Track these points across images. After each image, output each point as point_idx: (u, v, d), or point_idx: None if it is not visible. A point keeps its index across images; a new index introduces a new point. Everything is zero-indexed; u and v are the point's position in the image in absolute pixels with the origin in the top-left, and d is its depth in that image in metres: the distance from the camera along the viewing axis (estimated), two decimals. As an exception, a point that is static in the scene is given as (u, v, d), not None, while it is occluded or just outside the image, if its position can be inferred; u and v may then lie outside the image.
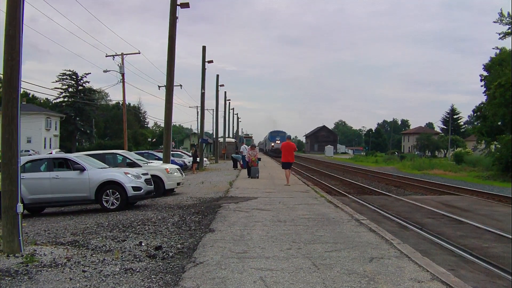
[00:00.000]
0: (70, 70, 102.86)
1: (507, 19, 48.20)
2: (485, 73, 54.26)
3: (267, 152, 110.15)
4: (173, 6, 27.46)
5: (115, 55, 46.29)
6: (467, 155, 70.02)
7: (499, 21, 48.76)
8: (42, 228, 13.26)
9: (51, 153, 47.79)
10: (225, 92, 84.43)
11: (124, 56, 46.56)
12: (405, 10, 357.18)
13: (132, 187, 16.90)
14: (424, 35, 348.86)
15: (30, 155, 39.83)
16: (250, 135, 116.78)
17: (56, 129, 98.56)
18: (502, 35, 49.47)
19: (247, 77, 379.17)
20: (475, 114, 65.31)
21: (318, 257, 8.50)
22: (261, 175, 30.18)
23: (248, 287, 6.74)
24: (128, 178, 17.01)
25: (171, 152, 31.82)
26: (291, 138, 27.93)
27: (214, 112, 70.39)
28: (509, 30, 48.77)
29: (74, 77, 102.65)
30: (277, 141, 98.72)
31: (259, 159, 31.87)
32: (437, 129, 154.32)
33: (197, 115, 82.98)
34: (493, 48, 58.60)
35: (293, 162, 25.95)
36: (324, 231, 11.24)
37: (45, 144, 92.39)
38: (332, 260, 8.32)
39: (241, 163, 41.68)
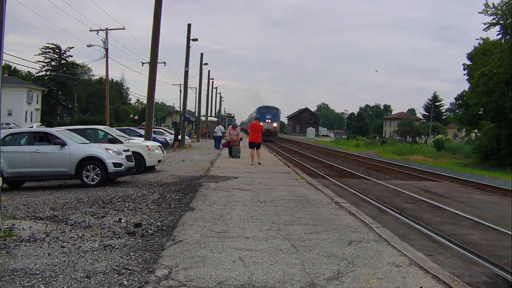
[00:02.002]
0: (53, 44, 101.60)
1: (492, 9, 48.40)
2: (468, 62, 54.63)
3: None
4: (159, -18, 27.21)
5: (99, 30, 45.97)
6: (447, 142, 70.65)
7: (484, 12, 48.99)
8: (21, 203, 13.15)
9: (32, 127, 47.41)
10: (209, 70, 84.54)
11: (109, 31, 46.21)
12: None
13: (113, 163, 16.81)
14: (410, 22, 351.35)
15: (11, 128, 39.49)
16: (232, 114, 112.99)
17: (37, 103, 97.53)
18: (487, 25, 49.74)
19: (231, 56, 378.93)
20: (457, 102, 66.05)
21: (297, 239, 8.53)
22: (243, 155, 30.14)
23: (227, 266, 6.74)
24: (109, 154, 16.91)
25: (153, 129, 31.70)
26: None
27: (197, 91, 70.27)
28: (494, 21, 49.00)
29: (57, 51, 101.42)
30: (267, 121, 73.65)
31: (241, 139, 31.73)
32: (419, 115, 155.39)
33: (180, 93, 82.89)
34: (477, 39, 59.02)
35: (260, 142, 26.07)
36: (304, 213, 11.27)
37: (26, 117, 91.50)
38: (312, 242, 8.35)
39: (221, 142, 41.58)
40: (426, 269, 6.98)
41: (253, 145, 25.53)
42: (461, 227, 12.67)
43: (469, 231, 12.20)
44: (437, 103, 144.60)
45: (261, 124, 26.62)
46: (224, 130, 45.85)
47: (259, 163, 24.80)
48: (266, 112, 76.00)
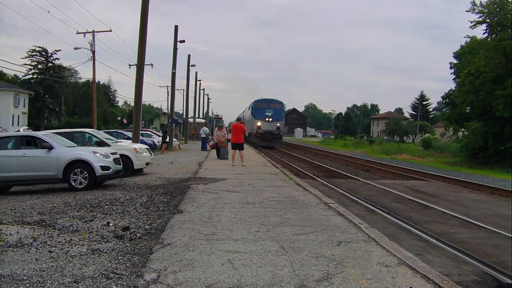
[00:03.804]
0: (39, 47, 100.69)
1: (479, 7, 48.65)
2: (455, 61, 54.89)
3: (248, 137, 59.95)
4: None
5: (86, 32, 45.79)
6: (435, 141, 71.13)
7: (471, 10, 49.25)
8: (8, 207, 13.05)
9: (18, 131, 47.09)
10: (196, 72, 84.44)
11: (95, 33, 46.05)
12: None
13: (100, 166, 16.73)
14: (397, 21, 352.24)
15: (-3, 132, 39.23)
16: (220, 116, 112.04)
17: (24, 106, 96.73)
18: (473, 23, 49.98)
19: (219, 57, 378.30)
20: (444, 101, 66.27)
21: (286, 240, 8.51)
22: (230, 156, 30.09)
23: (216, 269, 6.71)
24: (97, 157, 16.84)
25: (141, 132, 31.60)
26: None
27: (185, 92, 70.09)
28: (481, 19, 49.24)
29: (44, 53, 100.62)
30: (268, 119, 56.52)
31: (229, 140, 31.61)
32: (406, 115, 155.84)
33: (168, 95, 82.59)
34: (464, 37, 59.61)
35: (242, 143, 26.17)
36: (293, 214, 11.26)
37: (13, 121, 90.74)
38: (301, 243, 8.33)
39: (210, 144, 41.46)
40: (415, 269, 6.98)
41: (235, 146, 25.80)
42: (450, 226, 12.72)
43: (458, 230, 12.24)
44: (424, 102, 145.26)
45: (242, 124, 26.75)
46: (208, 131, 45.75)
47: (243, 165, 24.75)
48: (266, 107, 56.78)
